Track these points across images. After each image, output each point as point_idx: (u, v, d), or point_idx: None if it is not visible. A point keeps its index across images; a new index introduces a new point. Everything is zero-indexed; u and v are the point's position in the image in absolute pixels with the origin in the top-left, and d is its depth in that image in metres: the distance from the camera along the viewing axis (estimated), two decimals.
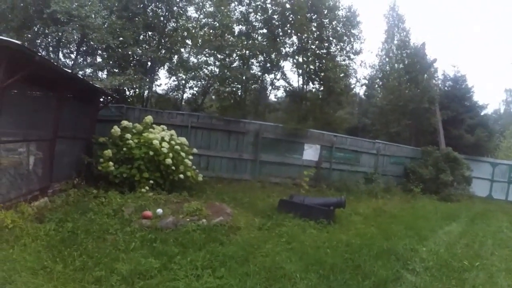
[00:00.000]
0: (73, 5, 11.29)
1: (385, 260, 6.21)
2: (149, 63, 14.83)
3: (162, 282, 4.58)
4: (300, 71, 16.28)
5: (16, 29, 11.70)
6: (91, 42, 12.98)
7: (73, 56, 14.23)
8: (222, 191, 11.20)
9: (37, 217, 6.35)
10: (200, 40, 14.66)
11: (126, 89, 14.71)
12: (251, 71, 15.64)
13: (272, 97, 20.94)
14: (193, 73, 15.19)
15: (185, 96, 17.53)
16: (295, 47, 16.10)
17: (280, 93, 19.63)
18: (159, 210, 7.40)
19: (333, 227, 8.35)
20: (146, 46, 14.50)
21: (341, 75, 15.72)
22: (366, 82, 23.60)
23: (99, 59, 14.28)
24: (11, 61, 5.68)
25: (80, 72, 13.06)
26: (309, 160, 14.92)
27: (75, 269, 4.66)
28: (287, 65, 19.86)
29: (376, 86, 24.15)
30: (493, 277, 6.17)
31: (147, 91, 15.44)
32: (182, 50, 15.62)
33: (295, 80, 17.59)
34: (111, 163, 9.36)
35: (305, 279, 5.10)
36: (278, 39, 15.62)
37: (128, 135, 9.80)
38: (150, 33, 15.07)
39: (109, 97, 11.64)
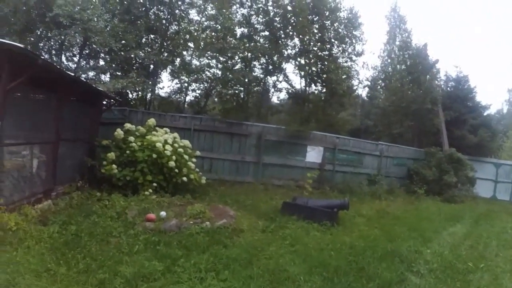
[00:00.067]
0: (76, 8, 11.33)
1: (389, 262, 6.19)
2: (151, 66, 14.86)
3: (166, 285, 4.58)
4: (302, 73, 16.26)
5: (19, 33, 11.75)
6: (94, 45, 13.02)
7: (75, 59, 14.29)
8: (225, 194, 11.20)
9: (41, 220, 6.38)
10: (202, 43, 14.66)
11: (129, 92, 14.75)
12: (253, 74, 15.64)
13: (274, 99, 20.93)
14: (195, 76, 15.23)
15: (187, 98, 17.59)
16: (297, 49, 16.10)
17: (283, 95, 19.62)
18: (163, 213, 7.39)
19: (336, 229, 8.33)
20: (149, 49, 14.55)
21: (343, 76, 15.71)
22: (368, 83, 23.55)
23: (101, 62, 14.32)
24: (14, 65, 5.71)
25: (83, 75, 13.12)
26: (312, 162, 14.88)
27: (79, 272, 4.66)
28: (289, 67, 19.81)
29: (379, 87, 24.07)
30: (497, 279, 6.15)
31: (149, 94, 15.48)
32: (185, 53, 15.65)
33: (298, 82, 17.54)
34: (114, 166, 9.36)
35: (309, 281, 5.09)
36: (280, 41, 15.63)
37: (131, 138, 9.80)
38: (152, 36, 15.12)
39: (112, 100, 11.68)
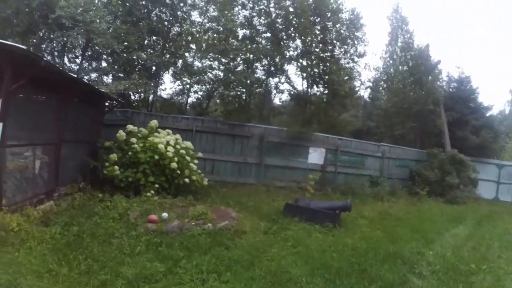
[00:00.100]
0: (78, 10, 11.38)
1: (391, 264, 6.17)
2: (153, 68, 14.90)
3: (168, 286, 4.57)
4: (304, 74, 16.26)
5: (21, 34, 11.79)
6: (96, 47, 13.05)
7: (78, 60, 14.33)
8: (227, 195, 11.20)
9: (43, 221, 6.39)
10: (204, 45, 14.69)
11: (131, 94, 14.78)
12: (255, 75, 15.66)
13: (276, 101, 20.96)
14: (197, 77, 15.25)
15: (189, 100, 17.64)
16: (299, 51, 16.09)
17: (285, 96, 19.66)
18: (165, 214, 7.39)
19: (338, 231, 8.31)
20: (151, 51, 14.58)
21: (345, 78, 15.69)
22: (371, 84, 23.58)
23: (104, 64, 14.36)
24: (17, 66, 5.73)
25: (85, 77, 13.13)
26: (314, 163, 14.88)
27: (81, 273, 4.66)
28: (291, 68, 19.77)
29: (381, 88, 24.06)
30: (500, 280, 6.12)
31: (152, 96, 15.52)
32: (187, 54, 15.70)
33: (300, 84, 17.64)
34: (116, 167, 9.38)
35: (311, 283, 5.08)
36: (282, 43, 15.63)
37: (134, 139, 9.82)
38: (154, 37, 15.16)
39: (114, 102, 11.71)
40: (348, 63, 16.63)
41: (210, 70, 15.06)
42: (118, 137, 9.97)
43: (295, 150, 14.71)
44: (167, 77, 16.23)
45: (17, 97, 6.49)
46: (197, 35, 15.13)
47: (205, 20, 15.88)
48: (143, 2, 14.21)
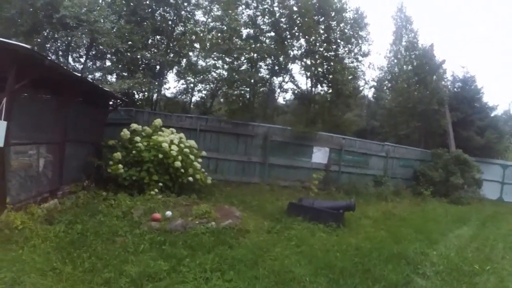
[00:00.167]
0: (82, 10, 11.40)
1: (395, 264, 6.15)
2: (157, 67, 14.94)
3: (171, 285, 4.58)
4: (308, 73, 16.23)
5: (26, 34, 11.82)
6: (100, 46, 13.09)
7: (82, 60, 14.40)
8: (231, 194, 11.20)
9: (47, 219, 6.41)
10: (208, 44, 14.69)
11: (135, 93, 14.82)
12: (259, 74, 15.63)
13: (280, 100, 20.88)
14: (201, 77, 15.29)
15: (193, 99, 17.67)
16: (303, 50, 16.06)
17: (289, 95, 19.62)
18: (168, 213, 7.41)
19: (342, 231, 8.30)
20: (155, 50, 14.62)
21: (350, 77, 15.64)
22: (375, 84, 23.43)
23: (108, 63, 14.42)
24: (21, 66, 5.75)
25: (90, 76, 13.19)
26: (318, 163, 14.85)
27: (84, 271, 4.67)
28: (295, 67, 19.73)
29: (385, 88, 23.95)
30: (503, 281, 6.10)
31: (156, 95, 15.56)
32: (191, 53, 15.73)
33: (304, 83, 17.50)
34: (120, 166, 9.41)
35: (314, 283, 5.07)
36: (286, 42, 15.61)
37: (138, 138, 9.84)
38: (158, 37, 15.20)
39: (119, 101, 11.73)
40: (352, 62, 16.57)
41: (214, 69, 15.10)
42: (122, 136, 9.99)
43: (299, 150, 14.68)
44: (171, 76, 16.29)
45: (22, 96, 6.52)
46: (201, 35, 15.15)
47: (209, 20, 15.91)
48: (147, 2, 14.25)
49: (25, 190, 6.79)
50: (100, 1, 13.46)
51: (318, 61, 15.72)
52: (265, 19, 15.72)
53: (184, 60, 15.38)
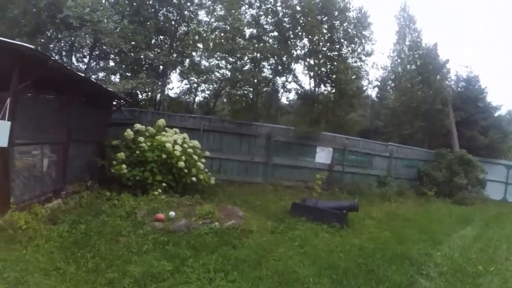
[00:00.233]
0: (86, 10, 11.43)
1: (399, 265, 6.13)
2: (161, 67, 14.95)
3: (175, 285, 4.58)
4: (312, 73, 16.23)
5: (29, 34, 11.85)
6: (104, 47, 13.12)
7: (86, 60, 14.43)
8: (234, 194, 11.19)
9: (51, 219, 6.43)
10: (211, 44, 14.70)
11: (139, 93, 14.86)
12: (262, 74, 15.63)
13: (283, 100, 20.91)
14: (204, 77, 15.27)
15: (197, 99, 17.70)
16: (306, 50, 16.07)
17: (292, 95, 19.65)
18: (172, 213, 7.41)
19: (346, 231, 8.28)
20: (158, 50, 14.63)
21: (353, 77, 15.62)
22: (378, 83, 23.46)
23: (111, 63, 14.44)
24: (25, 66, 5.76)
25: (93, 76, 13.22)
26: (321, 163, 14.83)
27: (88, 271, 4.68)
28: (298, 67, 19.71)
29: (388, 87, 23.93)
30: (507, 282, 6.07)
31: (159, 95, 15.58)
32: (194, 53, 15.74)
33: (307, 83, 17.63)
34: (124, 166, 9.41)
35: (318, 283, 5.06)
36: (289, 42, 15.60)
37: (141, 138, 9.86)
38: (161, 37, 15.21)
39: (122, 101, 11.75)
40: (355, 62, 16.55)
41: (217, 69, 15.07)
42: (126, 136, 10.00)
43: (302, 150, 14.67)
44: (174, 76, 16.37)
45: (25, 96, 6.53)
46: (204, 34, 15.15)
47: (212, 19, 15.91)
48: (150, 2, 14.25)
49: (29, 190, 6.81)
50: (103, 1, 13.50)
51: (322, 60, 15.70)
52: (268, 19, 15.71)
53: (187, 60, 15.40)
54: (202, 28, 15.54)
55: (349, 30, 15.88)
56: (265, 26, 15.82)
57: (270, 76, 16.69)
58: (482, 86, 21.63)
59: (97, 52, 14.25)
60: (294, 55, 15.82)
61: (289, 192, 12.79)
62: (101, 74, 13.90)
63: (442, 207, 14.11)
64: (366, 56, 16.74)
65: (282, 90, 18.45)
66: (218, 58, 14.79)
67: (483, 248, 8.31)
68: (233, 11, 14.05)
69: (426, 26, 46.48)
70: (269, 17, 15.59)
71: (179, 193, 9.56)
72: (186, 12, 15.25)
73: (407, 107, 20.20)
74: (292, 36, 15.73)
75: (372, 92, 26.04)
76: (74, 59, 14.28)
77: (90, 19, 11.38)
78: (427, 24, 47.24)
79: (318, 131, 14.82)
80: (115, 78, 14.06)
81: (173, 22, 15.10)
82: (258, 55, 15.02)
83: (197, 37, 15.18)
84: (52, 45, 13.46)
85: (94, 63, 14.54)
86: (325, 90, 17.23)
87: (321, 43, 15.62)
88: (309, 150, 14.79)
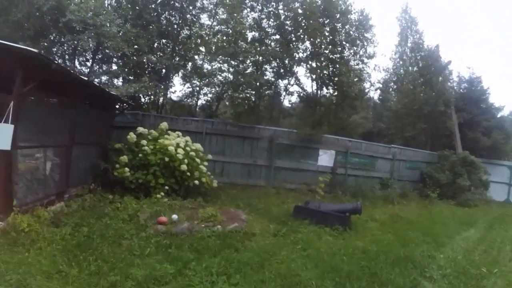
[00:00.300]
0: (88, 14, 11.50)
1: (402, 268, 6.09)
2: (163, 70, 14.99)
3: None
4: (314, 76, 16.24)
5: (32, 38, 11.92)
6: (107, 50, 13.20)
7: (89, 63, 14.51)
8: (236, 197, 11.18)
9: (53, 222, 6.45)
10: (213, 47, 14.76)
11: (141, 96, 14.90)
12: (264, 77, 15.65)
13: (286, 103, 20.95)
14: (207, 80, 15.30)
15: (199, 102, 17.73)
16: (308, 52, 16.08)
17: (294, 98, 19.69)
18: (174, 216, 7.41)
19: (349, 234, 8.25)
20: (161, 54, 14.68)
21: (355, 79, 15.62)
22: (380, 86, 23.36)
23: (114, 67, 14.51)
24: (28, 69, 5.80)
25: (96, 80, 13.25)
26: (324, 165, 14.81)
27: (90, 274, 4.69)
28: (300, 70, 19.83)
29: (391, 89, 23.92)
30: (511, 284, 6.03)
31: (162, 98, 15.60)
32: (196, 57, 15.77)
33: (309, 85, 17.54)
34: (127, 169, 9.42)
35: (321, 286, 5.04)
36: (291, 45, 15.62)
37: (144, 141, 9.87)
38: (164, 40, 15.24)
39: (125, 104, 11.79)
40: (357, 64, 16.56)
41: (220, 73, 15.12)
42: (129, 139, 10.01)
43: (305, 152, 14.65)
44: (177, 79, 16.31)
45: (29, 99, 6.56)
46: (207, 38, 15.19)
47: (214, 23, 15.95)
48: (153, 6, 14.30)
49: (31, 193, 6.83)
50: (106, 5, 13.58)
51: (324, 63, 15.73)
52: (270, 22, 15.76)
53: (190, 63, 15.41)
54: (204, 32, 15.58)
55: (351, 32, 15.89)
56: (267, 29, 15.86)
57: (272, 79, 16.74)
58: (485, 87, 21.65)
59: (100, 56, 14.31)
60: (296, 58, 15.85)
61: (291, 195, 12.77)
62: (104, 78, 13.94)
63: (445, 209, 14.06)
64: (368, 58, 16.77)
65: (284, 93, 18.54)
66: (221, 62, 14.83)
67: (486, 250, 8.27)
68: (235, 14, 14.09)
69: (428, 28, 46.29)
70: (271, 20, 15.64)
71: (182, 196, 9.57)
72: (188, 16, 15.29)
73: (409, 109, 20.17)
74: (294, 39, 15.76)
75: (374, 94, 25.98)
76: (77, 63, 14.36)
77: (93, 23, 11.44)
78: (429, 25, 47.09)
79: (321, 133, 14.79)
80: (118, 82, 14.11)
81: (175, 26, 15.14)
82: (260, 58, 15.05)
83: (199, 41, 15.22)
84: (55, 49, 13.54)
85: (97, 66, 14.61)
86: (327, 92, 17.25)
87: (323, 46, 15.64)
88: (312, 152, 14.77)
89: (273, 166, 14.03)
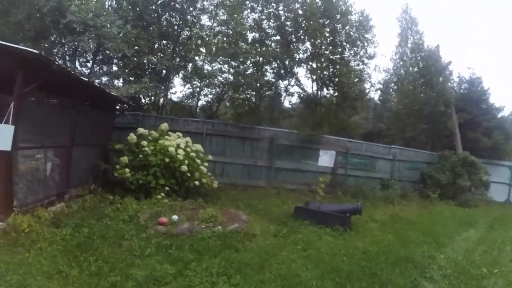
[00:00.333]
0: (89, 15, 11.51)
1: (402, 268, 6.09)
2: (164, 71, 15.01)
3: None
4: (314, 77, 16.25)
5: (33, 39, 11.93)
6: (107, 51, 13.20)
7: (89, 64, 14.51)
8: (237, 198, 11.18)
9: (54, 222, 6.46)
10: (214, 48, 14.76)
11: (142, 97, 14.91)
12: (265, 78, 15.65)
13: (286, 104, 20.97)
14: (207, 81, 15.33)
15: (200, 103, 17.74)
16: (308, 53, 16.09)
17: (295, 99, 19.70)
18: (175, 217, 7.42)
19: (349, 234, 8.24)
20: (161, 55, 14.70)
21: (355, 80, 15.62)
22: (381, 86, 23.35)
23: (115, 68, 14.50)
24: (29, 70, 5.81)
25: (97, 81, 13.28)
26: (324, 166, 14.81)
27: (91, 274, 4.69)
28: (301, 71, 19.79)
29: (391, 90, 23.91)
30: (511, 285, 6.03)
31: (162, 99, 15.62)
32: (197, 58, 15.79)
33: (309, 86, 17.53)
34: (127, 170, 9.44)
35: (321, 287, 5.04)
36: (291, 45, 15.63)
37: (144, 142, 9.88)
38: (164, 41, 15.27)
39: (125, 105, 11.81)
40: (358, 65, 16.56)
41: (220, 73, 15.13)
42: (129, 140, 10.02)
43: (305, 153, 14.66)
44: (177, 80, 16.34)
45: (29, 100, 6.57)
46: (207, 39, 15.21)
47: (215, 24, 15.98)
48: (153, 7, 14.33)
49: (32, 193, 6.84)
50: (107, 7, 13.59)
51: (324, 64, 15.74)
52: (270, 23, 15.76)
53: (190, 64, 15.43)
54: (204, 33, 15.60)
55: (351, 33, 15.89)
56: (267, 30, 15.86)
57: (273, 80, 16.73)
58: (485, 87, 21.65)
59: (100, 57, 14.33)
60: (296, 59, 15.86)
61: (292, 195, 12.77)
62: (104, 79, 13.95)
63: (445, 209, 14.05)
64: (369, 59, 16.77)
65: (284, 94, 18.55)
66: (221, 62, 14.83)
67: (487, 250, 8.26)
68: (235, 15, 14.09)
69: (428, 28, 46.30)
70: (272, 21, 15.64)
71: (182, 197, 9.58)
72: (188, 17, 15.32)
73: (409, 110, 20.16)
74: (294, 39, 15.76)
75: (375, 95, 25.97)
76: (77, 64, 14.37)
77: (93, 24, 11.45)
78: (429, 26, 47.11)
79: (321, 134, 14.79)
80: (118, 83, 14.12)
81: (176, 27, 15.16)
82: (261, 59, 15.06)
83: (199, 42, 15.24)
84: (55, 50, 13.56)
85: (98, 67, 14.61)
86: (327, 93, 17.24)
87: (323, 47, 15.65)
88: (312, 153, 14.78)
89: (274, 166, 14.03)
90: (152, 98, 15.32)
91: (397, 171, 16.75)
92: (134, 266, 5.04)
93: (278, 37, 15.91)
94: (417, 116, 20.10)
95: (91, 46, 12.93)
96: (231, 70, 14.73)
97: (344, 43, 15.97)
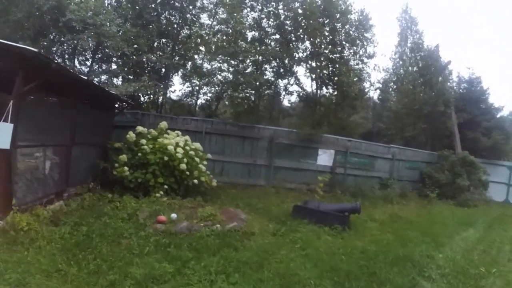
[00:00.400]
0: (88, 13, 11.49)
1: (401, 267, 6.10)
2: (163, 70, 14.98)
3: (176, 287, 4.59)
4: (314, 76, 16.23)
5: (32, 37, 11.91)
6: (106, 50, 13.19)
7: (88, 63, 14.51)
8: (236, 197, 11.19)
9: (52, 220, 6.47)
10: (213, 47, 14.76)
11: (141, 95, 14.90)
12: (264, 77, 15.66)
13: (285, 103, 20.95)
14: (207, 79, 15.29)
15: (199, 102, 17.71)
16: (308, 52, 16.08)
17: (294, 98, 19.66)
18: (174, 215, 7.41)
19: (348, 234, 8.25)
20: (160, 53, 14.67)
21: (355, 79, 15.60)
22: (380, 86, 23.36)
23: (114, 66, 14.49)
24: (28, 69, 5.81)
25: (96, 79, 13.26)
26: (323, 165, 14.81)
27: (89, 273, 4.70)
28: (300, 70, 19.80)
29: (390, 89, 23.93)
30: (510, 284, 6.05)
31: (161, 97, 15.59)
32: (196, 56, 15.75)
33: (309, 85, 17.56)
34: (126, 168, 9.43)
35: (320, 286, 5.05)
36: (291, 44, 15.62)
37: (143, 141, 9.87)
38: (164, 40, 15.24)
39: (124, 103, 11.79)
40: (357, 64, 16.55)
41: (219, 72, 15.12)
42: (128, 139, 10.03)
43: (304, 152, 14.66)
44: (176, 79, 16.33)
45: (28, 99, 6.56)
46: (206, 38, 15.19)
47: (214, 23, 15.94)
48: (153, 5, 14.29)
49: (31, 192, 6.84)
50: (106, 5, 13.58)
51: (323, 63, 15.73)
52: (270, 22, 15.76)
53: (190, 63, 15.40)
54: (204, 31, 15.57)
55: (351, 32, 15.89)
56: (267, 29, 15.86)
57: (272, 79, 16.74)
58: (484, 87, 21.64)
59: (99, 55, 14.32)
60: (296, 58, 15.85)
61: (291, 194, 12.78)
62: (103, 77, 13.94)
63: (444, 209, 14.07)
64: (368, 58, 16.75)
65: (284, 93, 18.56)
66: (220, 61, 14.83)
67: (485, 250, 8.27)
68: (235, 14, 14.09)
69: (428, 28, 46.37)
70: (271, 20, 15.64)
71: (181, 196, 9.58)
72: (188, 16, 15.28)
73: (409, 109, 20.18)
74: (294, 38, 15.76)
75: (374, 94, 25.99)
76: (76, 62, 14.37)
77: (93, 23, 11.44)
78: (429, 25, 47.16)
79: (320, 133, 14.78)
80: (118, 81, 14.13)
81: (175, 25, 15.13)
82: (260, 57, 15.06)
83: (199, 40, 15.21)
84: (55, 48, 13.55)
85: (97, 66, 14.62)
86: (327, 92, 17.24)
87: (323, 46, 15.64)
88: (311, 152, 14.78)
89: (273, 165, 14.03)
90: (151, 96, 15.29)
91: (396, 171, 16.76)
92: (133, 264, 5.05)
93: (277, 36, 15.91)
94: (417, 116, 20.11)
95: (91, 45, 12.93)
96: (231, 69, 14.73)
97: (344, 42, 15.97)
